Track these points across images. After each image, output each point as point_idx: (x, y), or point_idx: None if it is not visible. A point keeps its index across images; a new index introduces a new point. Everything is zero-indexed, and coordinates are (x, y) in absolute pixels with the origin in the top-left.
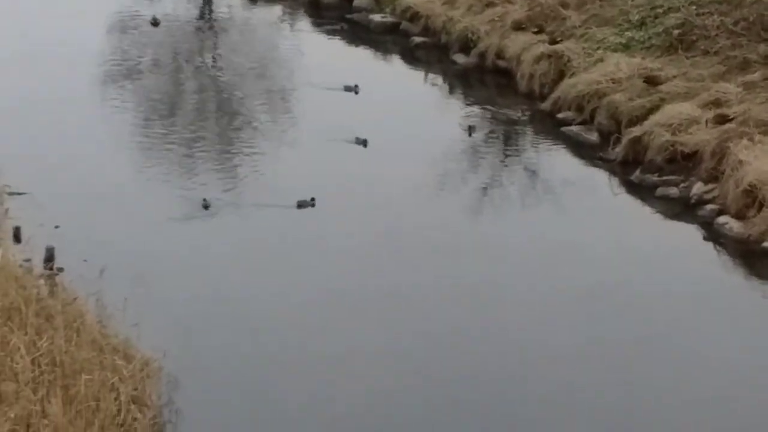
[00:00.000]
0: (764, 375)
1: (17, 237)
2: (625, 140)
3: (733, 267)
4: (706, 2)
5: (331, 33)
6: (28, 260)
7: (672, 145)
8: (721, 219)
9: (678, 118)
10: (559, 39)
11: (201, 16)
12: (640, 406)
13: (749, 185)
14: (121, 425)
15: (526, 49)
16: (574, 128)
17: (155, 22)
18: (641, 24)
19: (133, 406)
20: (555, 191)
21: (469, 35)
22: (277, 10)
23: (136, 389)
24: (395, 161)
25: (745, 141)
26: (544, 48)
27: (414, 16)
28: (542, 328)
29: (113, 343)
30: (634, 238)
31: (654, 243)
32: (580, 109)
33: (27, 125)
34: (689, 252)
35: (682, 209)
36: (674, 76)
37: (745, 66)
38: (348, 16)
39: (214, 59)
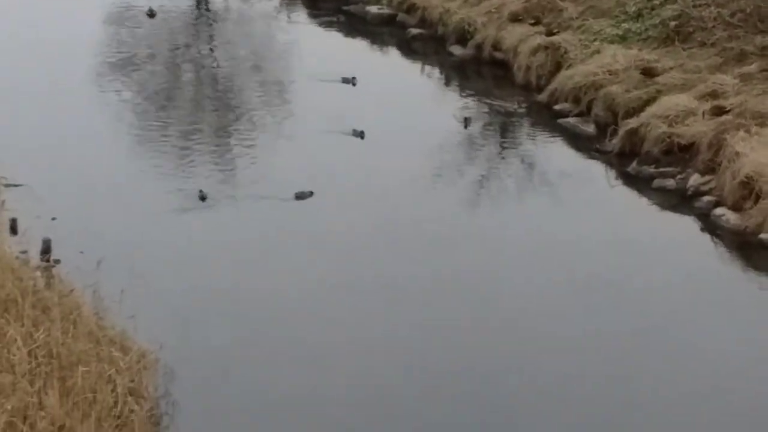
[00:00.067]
0: (760, 366)
1: (14, 229)
2: (621, 132)
3: (729, 259)
4: None
5: (328, 25)
6: (24, 252)
7: (669, 137)
8: (718, 211)
9: (675, 110)
10: (555, 30)
11: (197, 8)
12: (636, 398)
13: (746, 177)
14: (118, 417)
15: (522, 41)
16: (571, 120)
17: (151, 14)
18: (638, 15)
19: (129, 398)
20: (551, 183)
21: (466, 27)
22: (274, 1)
23: (132, 381)
24: (392, 153)
25: (741, 133)
26: (540, 39)
27: (411, 8)
28: (539, 320)
29: (110, 335)
30: (631, 229)
31: (650, 235)
32: (576, 100)
33: (23, 116)
34: (686, 244)
35: (679, 201)
36: (671, 68)
37: (741, 57)
38: (344, 7)
39: (211, 51)
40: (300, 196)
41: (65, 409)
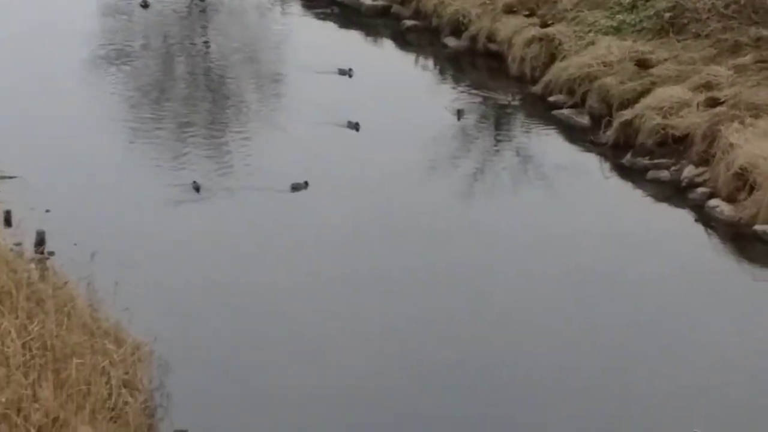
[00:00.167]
0: (755, 358)
1: (8, 221)
2: (616, 123)
3: (723, 250)
4: None
5: (322, 16)
6: (18, 244)
7: (663, 129)
8: (712, 202)
9: (669, 102)
10: (550, 22)
11: None
12: (631, 390)
13: (740, 168)
14: (112, 409)
15: (517, 33)
16: (565, 111)
17: (145, 4)
18: (632, 7)
19: (124, 390)
20: (546, 175)
21: (461, 18)
22: None
23: (127, 373)
24: (387, 145)
25: (736, 124)
26: (535, 31)
27: (405, 0)
28: (533, 313)
29: (104, 327)
30: (625, 221)
31: (645, 226)
32: (571, 92)
33: (17, 108)
34: (680, 235)
35: (673, 192)
36: (665, 60)
37: (736, 49)
38: None
39: (205, 42)
40: (295, 188)
41: (59, 401)
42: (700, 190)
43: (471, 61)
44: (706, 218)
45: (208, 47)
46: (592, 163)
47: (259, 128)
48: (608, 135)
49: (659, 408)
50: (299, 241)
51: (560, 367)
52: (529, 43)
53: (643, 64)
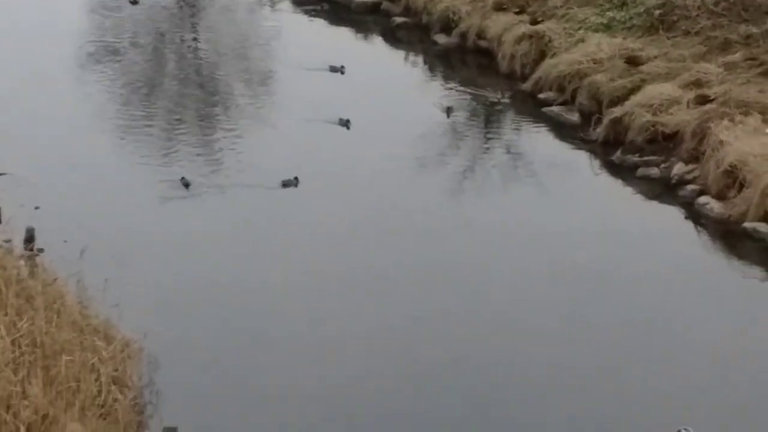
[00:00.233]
0: (744, 354)
1: None
2: (606, 121)
3: (713, 248)
4: None
5: (312, 13)
6: (8, 241)
7: (653, 126)
8: (702, 199)
9: (659, 99)
10: (540, 19)
11: None
12: (623, 387)
13: (730, 166)
14: (102, 406)
15: (507, 30)
16: (555, 109)
17: (135, 1)
18: (622, 4)
19: (113, 387)
20: (536, 172)
21: (451, 15)
22: None
23: (116, 370)
24: (377, 142)
25: (725, 121)
26: (525, 28)
27: None
28: (526, 310)
29: (94, 324)
30: (616, 219)
31: (635, 224)
32: (561, 89)
33: (5, 105)
34: (670, 233)
35: (663, 190)
36: (655, 57)
37: (725, 46)
38: None
39: (195, 39)
40: (286, 184)
41: (49, 398)
42: (690, 187)
43: (461, 59)
44: (696, 216)
45: (198, 44)
46: (582, 160)
47: (250, 125)
48: (598, 132)
49: (651, 405)
50: (290, 238)
51: (554, 364)
52: (519, 40)
53: (633, 62)
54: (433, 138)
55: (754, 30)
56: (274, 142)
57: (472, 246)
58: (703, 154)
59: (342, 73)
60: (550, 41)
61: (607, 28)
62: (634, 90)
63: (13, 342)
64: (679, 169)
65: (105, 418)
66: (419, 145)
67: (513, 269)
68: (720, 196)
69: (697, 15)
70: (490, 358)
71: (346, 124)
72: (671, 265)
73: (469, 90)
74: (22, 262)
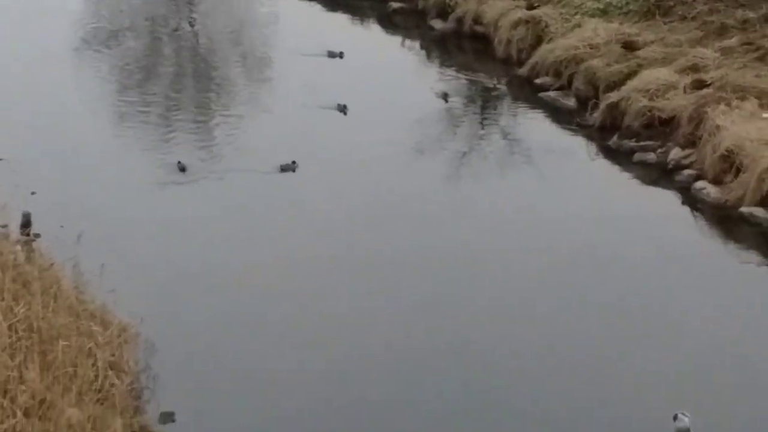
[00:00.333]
0: (739, 339)
1: None
2: (602, 106)
3: (710, 232)
4: None
5: None
6: (4, 226)
7: (649, 111)
8: (699, 184)
9: (655, 84)
10: (536, 4)
11: None
12: (620, 371)
13: (726, 150)
14: (99, 391)
15: (503, 15)
16: (552, 94)
17: None
18: None
19: (110, 372)
20: (533, 157)
21: (447, 1)
22: None
23: (113, 355)
24: (374, 127)
25: (722, 106)
26: (521, 13)
27: None
28: (519, 295)
29: (90, 309)
30: (612, 204)
31: (631, 209)
32: (557, 74)
33: (2, 90)
34: (666, 218)
35: (660, 175)
36: (652, 42)
37: (722, 31)
38: None
39: (192, 24)
40: (284, 169)
41: (46, 383)
42: (687, 172)
43: (457, 44)
44: (692, 200)
45: (194, 29)
46: (578, 145)
47: (248, 110)
48: (595, 117)
49: (648, 390)
50: (287, 223)
51: (550, 349)
52: (515, 25)
53: (629, 47)
54: (430, 123)
55: (751, 15)
56: (271, 127)
57: (469, 231)
58: (700, 138)
59: (341, 58)
60: (546, 26)
61: (604, 13)
62: (630, 75)
63: (9, 327)
64: (675, 154)
65: (102, 403)
66: (416, 130)
67: (509, 255)
68: (717, 181)
69: (694, 0)
70: (487, 343)
71: (343, 109)
72: (668, 250)
73: (465, 75)
74: (18, 247)
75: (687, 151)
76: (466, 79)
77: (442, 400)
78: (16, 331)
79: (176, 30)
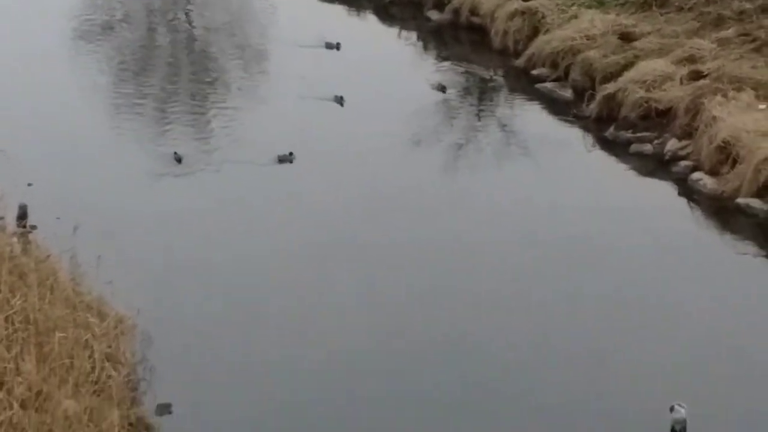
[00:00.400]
0: (735, 329)
1: None
2: (599, 97)
3: (707, 224)
4: None
5: None
6: (0, 218)
7: (646, 102)
8: (695, 175)
9: (652, 75)
10: None
11: None
12: (617, 362)
13: (723, 141)
14: (95, 383)
15: (500, 6)
16: (549, 85)
17: None
18: None
19: (107, 364)
20: (529, 148)
21: None
22: None
23: (110, 347)
24: (371, 119)
25: (719, 97)
26: (518, 4)
27: None
28: (515, 286)
29: (87, 301)
30: (608, 195)
31: (628, 200)
32: (554, 65)
33: None
34: (663, 209)
35: (656, 166)
36: (648, 33)
37: (719, 22)
38: None
39: (188, 15)
40: (282, 160)
41: (42, 375)
42: (683, 163)
43: (454, 35)
44: (689, 191)
45: (191, 21)
46: (575, 136)
47: (245, 102)
48: (591, 108)
49: (645, 381)
50: (284, 214)
51: (547, 340)
52: (512, 16)
53: (626, 38)
54: (427, 115)
55: (747, 5)
56: (268, 119)
57: (465, 223)
58: (696, 130)
59: (338, 49)
60: (543, 17)
61: (600, 4)
62: (627, 66)
63: (6, 319)
64: (672, 145)
65: (99, 395)
66: (413, 122)
67: (506, 246)
68: (713, 172)
69: None
70: (483, 334)
71: (340, 101)
72: (664, 241)
73: (462, 66)
74: (15, 239)
75: (683, 143)
76: (463, 71)
77: (439, 391)
78: (13, 323)
79: (173, 21)
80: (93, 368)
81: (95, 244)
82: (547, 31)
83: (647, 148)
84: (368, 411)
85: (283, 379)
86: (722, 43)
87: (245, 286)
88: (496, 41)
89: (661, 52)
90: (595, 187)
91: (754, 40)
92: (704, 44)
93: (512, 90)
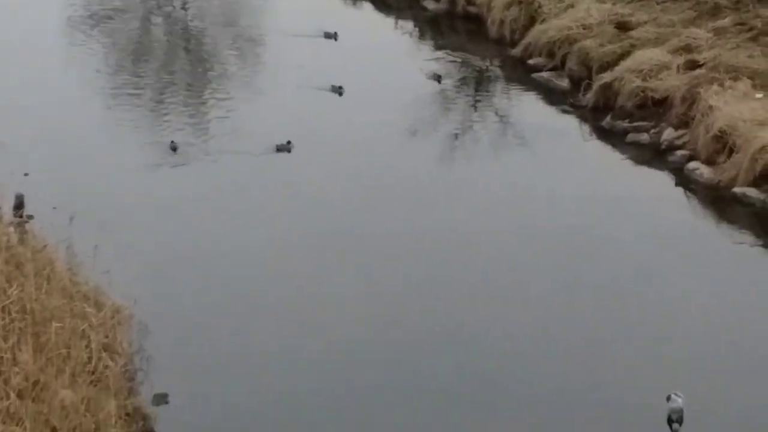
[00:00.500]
0: (731, 319)
1: None
2: (595, 86)
3: (703, 213)
4: None
5: None
6: None
7: (642, 91)
8: (692, 165)
9: (648, 64)
10: None
11: None
12: (613, 351)
13: (719, 131)
14: (92, 373)
15: None
16: (545, 74)
17: None
18: None
19: (104, 354)
20: (526, 138)
21: None
22: None
23: (107, 337)
24: (368, 108)
25: (715, 86)
26: None
27: None
28: (512, 275)
29: (83, 291)
30: (605, 184)
31: (624, 189)
32: (550, 55)
33: None
34: (660, 198)
35: (653, 155)
36: (645, 22)
37: (715, 11)
38: None
39: (184, 4)
40: (280, 149)
41: (39, 365)
42: (680, 152)
43: (450, 24)
44: (685, 181)
45: (187, 10)
46: (572, 125)
47: (243, 92)
48: (588, 98)
49: (641, 371)
50: (282, 203)
51: (544, 329)
52: (508, 5)
53: (622, 27)
54: (424, 105)
55: None
56: (266, 108)
57: (462, 212)
58: (693, 119)
59: (335, 39)
60: (539, 7)
61: None
62: (623, 55)
63: (3, 309)
64: (668, 134)
65: (96, 385)
66: (410, 111)
67: (503, 236)
68: (709, 162)
69: None
70: (480, 325)
71: (338, 90)
72: (661, 230)
73: (458, 56)
74: (11, 229)
75: (680, 132)
76: (460, 60)
77: (436, 382)
78: (10, 313)
79: (169, 11)
80: (90, 358)
81: (92, 234)
82: (544, 20)
83: (644, 137)
84: (365, 401)
85: (280, 369)
86: (719, 32)
87: (242, 276)
88: (493, 31)
89: (657, 41)
90: (592, 177)
91: (750, 30)
92: (701, 33)
93: (509, 80)
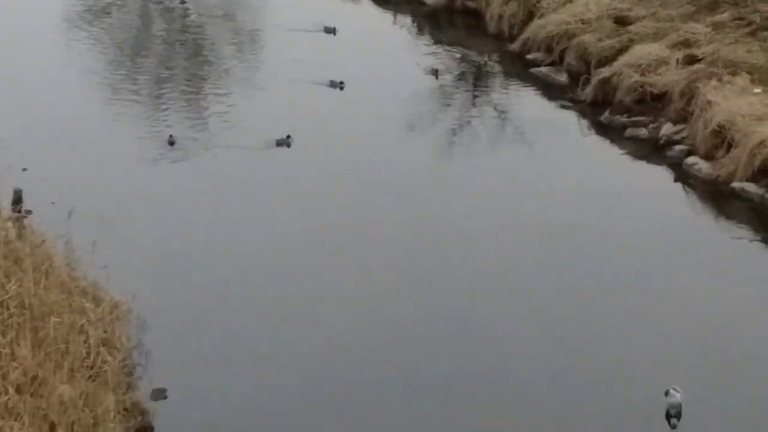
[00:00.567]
0: (730, 314)
1: None
2: (594, 81)
3: (702, 208)
4: None
5: None
6: None
7: (641, 86)
8: (690, 160)
9: (647, 59)
10: None
11: None
12: (612, 346)
13: (718, 126)
14: (91, 368)
15: None
16: (544, 69)
17: None
18: None
19: (102, 349)
20: (525, 133)
21: None
22: None
23: (105, 332)
24: (367, 103)
25: (714, 81)
26: None
27: None
28: (510, 270)
29: (82, 286)
30: (604, 179)
31: (623, 184)
32: (549, 50)
33: None
34: (658, 193)
35: (651, 150)
36: (643, 17)
37: (714, 6)
38: None
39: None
40: (279, 143)
41: (38, 360)
42: (678, 147)
43: (449, 19)
44: (684, 176)
45: (186, 4)
46: (570, 120)
47: (242, 86)
48: (586, 93)
49: (640, 365)
50: (281, 198)
51: (541, 324)
52: (507, 0)
53: (621, 22)
54: (423, 100)
55: None
56: (266, 103)
57: (460, 207)
58: (692, 114)
59: (334, 34)
60: (538, 1)
61: None
62: (622, 50)
63: (1, 304)
64: (667, 129)
65: (94, 380)
66: (408, 106)
67: (501, 230)
68: (708, 157)
69: None
70: (478, 319)
71: (339, 85)
72: (659, 225)
73: (457, 51)
74: (9, 224)
75: (678, 127)
76: (458, 55)
77: (435, 376)
78: (8, 308)
79: (168, 5)
80: (88, 353)
81: (90, 229)
82: (542, 15)
83: (642, 132)
84: (364, 396)
85: (279, 364)
86: (717, 27)
87: (241, 271)
88: (491, 26)
89: (656, 36)
90: (591, 172)
91: (749, 24)
92: (699, 28)
93: (507, 74)
